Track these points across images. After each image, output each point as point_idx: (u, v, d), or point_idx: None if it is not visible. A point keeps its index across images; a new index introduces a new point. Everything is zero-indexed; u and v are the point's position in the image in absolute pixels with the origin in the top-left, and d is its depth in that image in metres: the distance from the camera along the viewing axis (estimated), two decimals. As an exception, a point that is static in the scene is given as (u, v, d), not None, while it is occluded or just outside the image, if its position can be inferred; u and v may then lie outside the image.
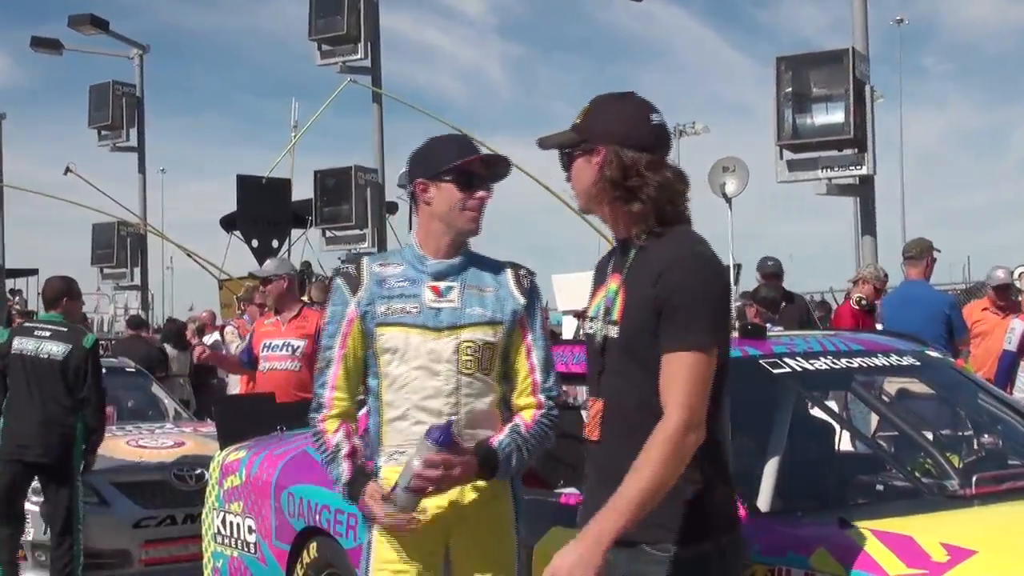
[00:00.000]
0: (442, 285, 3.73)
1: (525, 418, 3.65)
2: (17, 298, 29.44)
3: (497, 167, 3.84)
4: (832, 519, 3.64)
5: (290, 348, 7.85)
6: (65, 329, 7.09)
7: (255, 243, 16.34)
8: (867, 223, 10.83)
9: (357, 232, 16.21)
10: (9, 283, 32.23)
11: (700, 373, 2.89)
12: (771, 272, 8.39)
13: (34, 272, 35.92)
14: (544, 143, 3.16)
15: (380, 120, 16.30)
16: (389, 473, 3.67)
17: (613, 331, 3.02)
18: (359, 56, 14.50)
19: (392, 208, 18.48)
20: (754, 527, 3.69)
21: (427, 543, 3.68)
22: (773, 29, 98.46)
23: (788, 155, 9.77)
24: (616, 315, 3.01)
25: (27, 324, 7.82)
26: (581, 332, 3.32)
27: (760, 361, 4.32)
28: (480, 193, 3.71)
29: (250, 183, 14.21)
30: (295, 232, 17.98)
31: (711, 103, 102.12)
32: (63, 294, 7.24)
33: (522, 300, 3.80)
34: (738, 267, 16.38)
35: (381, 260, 3.83)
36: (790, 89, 9.06)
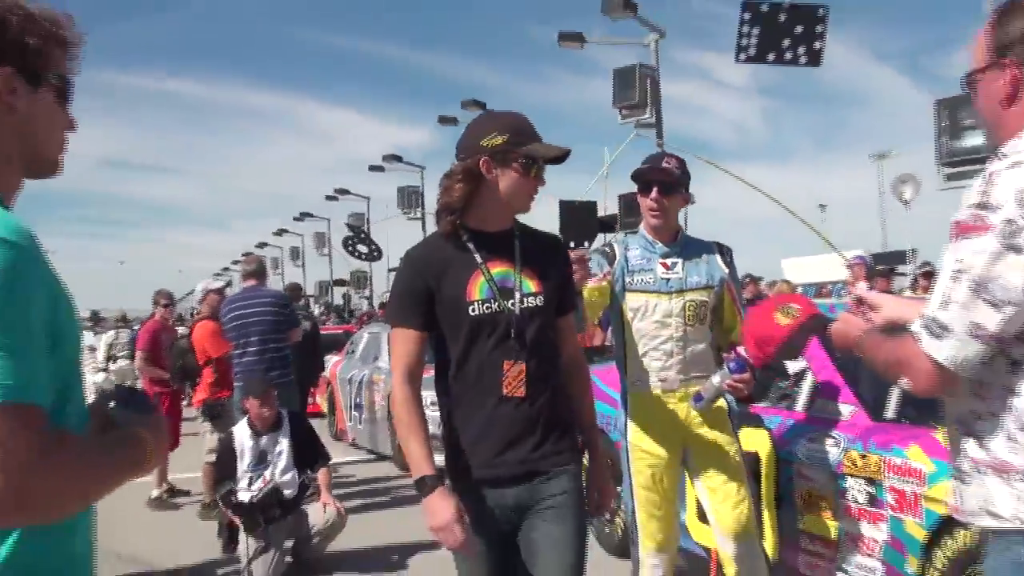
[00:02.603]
0: (668, 261, 3.90)
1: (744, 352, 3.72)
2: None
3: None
4: (927, 425, 3.89)
5: None
6: None
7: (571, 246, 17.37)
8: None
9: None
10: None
11: None
12: None
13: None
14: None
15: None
16: (633, 398, 3.91)
17: (537, 302, 2.86)
18: (647, 116, 15.50)
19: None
20: (874, 429, 4.06)
21: (672, 441, 3.92)
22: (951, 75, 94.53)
23: (946, 170, 10.66)
24: (535, 288, 2.86)
25: None
26: (473, 311, 2.76)
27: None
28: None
29: (567, 205, 15.43)
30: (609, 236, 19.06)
31: (907, 133, 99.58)
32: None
33: (725, 269, 3.92)
34: (914, 251, 17.70)
35: (625, 245, 4.01)
36: (946, 123, 9.93)
